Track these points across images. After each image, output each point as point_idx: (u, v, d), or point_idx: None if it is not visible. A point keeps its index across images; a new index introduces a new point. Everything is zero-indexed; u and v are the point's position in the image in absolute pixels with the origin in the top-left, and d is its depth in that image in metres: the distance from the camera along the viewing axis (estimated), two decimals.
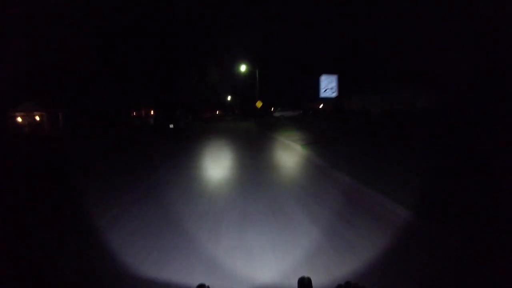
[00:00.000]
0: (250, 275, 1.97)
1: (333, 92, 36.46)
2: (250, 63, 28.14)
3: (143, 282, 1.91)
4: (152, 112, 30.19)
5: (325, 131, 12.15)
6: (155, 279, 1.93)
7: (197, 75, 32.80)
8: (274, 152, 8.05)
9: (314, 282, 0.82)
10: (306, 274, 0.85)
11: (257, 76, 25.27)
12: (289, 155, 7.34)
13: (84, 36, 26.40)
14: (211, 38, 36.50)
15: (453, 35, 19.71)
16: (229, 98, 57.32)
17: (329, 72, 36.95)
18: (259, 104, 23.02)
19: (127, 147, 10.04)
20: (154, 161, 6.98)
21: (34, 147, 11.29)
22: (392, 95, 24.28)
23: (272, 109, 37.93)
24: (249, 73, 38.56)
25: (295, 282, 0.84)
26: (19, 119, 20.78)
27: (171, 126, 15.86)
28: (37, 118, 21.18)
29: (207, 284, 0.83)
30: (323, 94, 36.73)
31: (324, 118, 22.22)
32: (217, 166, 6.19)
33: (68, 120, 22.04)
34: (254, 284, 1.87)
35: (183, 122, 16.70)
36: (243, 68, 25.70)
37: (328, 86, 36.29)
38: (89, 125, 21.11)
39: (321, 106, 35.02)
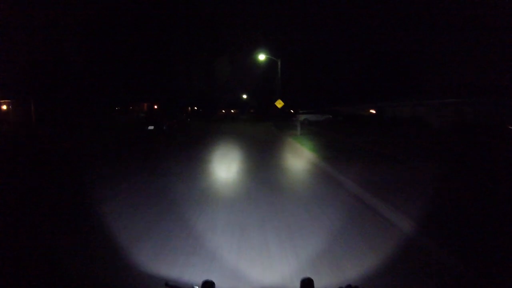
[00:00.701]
0: None
1: None
2: (270, 54, 22.83)
3: (146, 276, 1.84)
4: (145, 108, 25.87)
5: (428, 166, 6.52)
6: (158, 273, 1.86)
7: (201, 71, 28.25)
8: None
9: (316, 284, 0.79)
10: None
11: (278, 68, 19.86)
12: None
13: (81, 33, 23.43)
14: (220, 32, 32.38)
15: None
16: (244, 96, 52.33)
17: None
18: (279, 103, 17.59)
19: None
20: None
21: None
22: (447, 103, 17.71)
23: (292, 111, 32.06)
24: (269, 67, 33.23)
25: (297, 283, 0.81)
26: None
27: (151, 128, 10.87)
28: (4, 107, 17.12)
29: (213, 280, 0.79)
30: None
31: (365, 126, 16.36)
32: None
33: (42, 113, 17.86)
34: (257, 284, 1.83)
35: (168, 124, 11.55)
36: (261, 57, 20.42)
37: None
38: (63, 120, 16.77)
39: (372, 111, 26.43)
